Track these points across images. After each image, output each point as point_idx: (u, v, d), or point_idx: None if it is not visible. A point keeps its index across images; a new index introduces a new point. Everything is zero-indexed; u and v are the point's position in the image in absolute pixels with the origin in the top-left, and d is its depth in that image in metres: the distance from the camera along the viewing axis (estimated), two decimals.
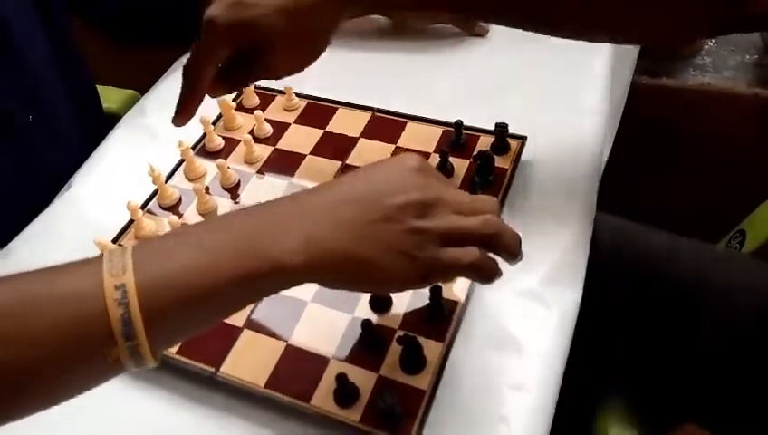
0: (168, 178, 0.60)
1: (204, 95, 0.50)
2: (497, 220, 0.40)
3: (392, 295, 0.48)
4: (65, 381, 0.34)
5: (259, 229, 0.36)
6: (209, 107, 0.63)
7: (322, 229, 0.36)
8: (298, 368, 0.45)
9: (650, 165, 1.08)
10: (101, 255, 0.34)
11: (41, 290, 0.33)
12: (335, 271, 0.37)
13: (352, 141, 0.62)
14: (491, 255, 0.40)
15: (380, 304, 0.48)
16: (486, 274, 0.40)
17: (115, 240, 0.54)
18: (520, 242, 0.41)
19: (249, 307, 0.49)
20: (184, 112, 0.50)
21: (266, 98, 0.67)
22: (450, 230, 0.38)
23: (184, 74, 0.49)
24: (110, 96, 0.87)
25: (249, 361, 0.46)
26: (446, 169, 0.57)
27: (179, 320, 0.34)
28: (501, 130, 0.58)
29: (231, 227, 0.36)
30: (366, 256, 0.36)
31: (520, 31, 0.74)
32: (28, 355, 0.32)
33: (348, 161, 0.60)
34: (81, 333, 0.32)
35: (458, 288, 0.49)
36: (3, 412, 0.33)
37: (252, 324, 0.48)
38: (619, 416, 0.68)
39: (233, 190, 0.59)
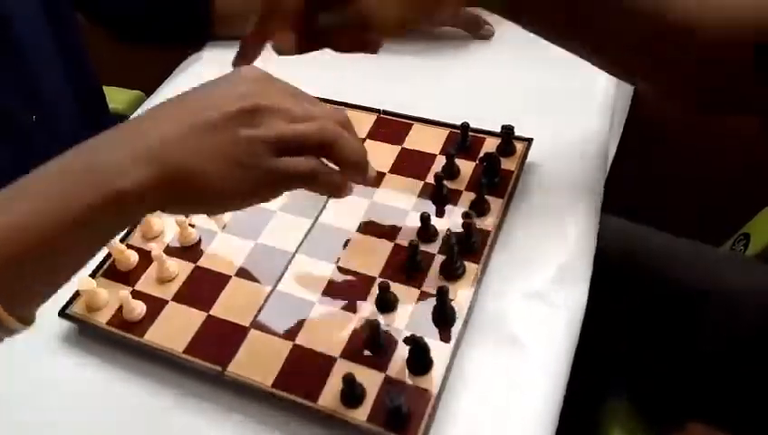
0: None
1: (267, 40, 0.47)
2: (336, 127, 0.38)
3: (399, 297, 0.49)
4: None
5: (86, 163, 0.34)
6: None
7: (153, 147, 0.35)
8: (305, 368, 0.46)
9: (653, 168, 1.08)
10: None
11: None
12: (170, 189, 0.35)
13: None
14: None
15: (387, 305, 0.48)
16: (328, 185, 0.39)
17: (122, 239, 0.55)
18: (364, 153, 0.39)
19: (256, 308, 0.49)
20: (248, 54, 0.47)
21: None
22: (282, 137, 0.36)
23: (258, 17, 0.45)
24: (116, 97, 0.87)
25: (256, 360, 0.46)
26: (452, 171, 0.57)
27: (27, 273, 0.33)
28: (507, 132, 0.58)
29: (57, 167, 0.35)
30: (197, 168, 0.35)
31: (525, 34, 0.74)
32: None
33: None
34: None
35: (465, 290, 0.49)
36: None
37: (259, 324, 0.49)
38: (622, 416, 0.69)
39: None
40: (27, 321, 0.33)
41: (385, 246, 0.52)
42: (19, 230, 0.32)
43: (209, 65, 0.75)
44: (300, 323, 0.48)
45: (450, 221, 0.54)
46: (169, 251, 0.54)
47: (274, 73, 0.69)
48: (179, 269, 0.52)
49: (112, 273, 0.53)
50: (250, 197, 0.38)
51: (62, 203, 0.33)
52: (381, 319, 0.47)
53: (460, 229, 0.51)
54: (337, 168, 0.40)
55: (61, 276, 0.36)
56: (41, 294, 0.35)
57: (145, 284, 0.52)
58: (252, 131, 0.36)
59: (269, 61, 0.75)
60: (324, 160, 0.40)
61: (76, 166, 0.35)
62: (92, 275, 0.52)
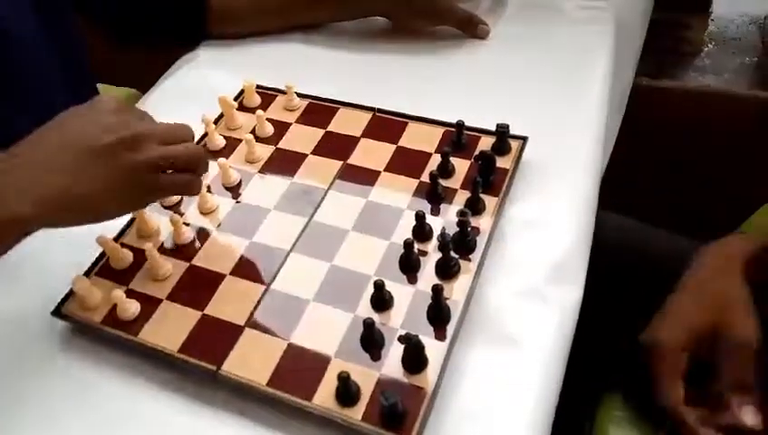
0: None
1: None
2: (197, 147, 0.49)
3: (393, 296, 0.49)
4: None
5: None
6: (211, 106, 0.64)
7: (44, 177, 0.42)
8: (300, 367, 0.46)
9: (650, 166, 1.08)
10: None
11: None
12: (64, 213, 0.43)
13: (354, 141, 0.62)
14: None
15: (382, 304, 0.48)
16: (194, 190, 0.51)
17: (117, 238, 0.54)
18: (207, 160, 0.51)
19: (251, 306, 0.49)
20: None
21: (267, 97, 0.67)
22: (161, 159, 0.46)
23: None
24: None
25: (251, 359, 0.46)
26: (447, 170, 0.57)
27: None
28: (502, 130, 0.58)
29: None
30: (89, 193, 0.43)
31: (521, 33, 0.74)
32: None
33: (349, 161, 0.60)
34: None
35: (460, 288, 0.49)
36: None
37: (253, 323, 0.48)
38: (618, 414, 0.69)
39: (234, 190, 0.59)
40: None
41: (380, 245, 0.52)
42: None
43: (204, 64, 0.75)
44: (295, 322, 0.48)
45: (445, 220, 0.54)
46: (164, 250, 0.54)
47: (271, 72, 0.70)
48: (174, 268, 0.52)
49: (106, 271, 0.53)
50: (132, 208, 0.50)
51: None
52: (376, 317, 0.47)
53: (455, 228, 0.51)
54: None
55: None
56: None
57: (139, 282, 0.52)
58: (134, 156, 0.44)
59: (244, 63, 0.75)
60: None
61: None
62: (86, 274, 0.52)
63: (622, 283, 0.69)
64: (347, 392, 0.43)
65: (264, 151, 0.62)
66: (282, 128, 0.64)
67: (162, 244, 0.54)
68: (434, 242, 0.52)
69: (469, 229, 0.51)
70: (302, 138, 0.63)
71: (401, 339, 0.44)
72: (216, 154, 0.62)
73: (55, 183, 0.42)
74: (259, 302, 0.50)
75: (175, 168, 0.47)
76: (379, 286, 0.47)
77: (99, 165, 0.43)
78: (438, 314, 0.47)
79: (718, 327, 0.53)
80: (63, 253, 0.55)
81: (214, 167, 0.60)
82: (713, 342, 0.53)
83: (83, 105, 0.47)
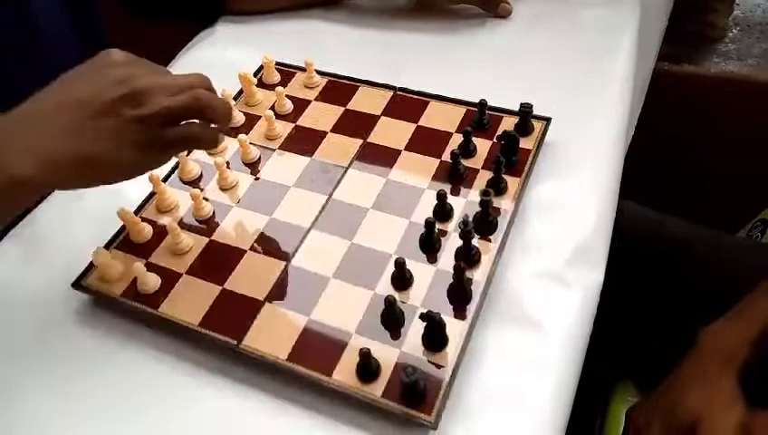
0: (189, 151, 0.59)
1: None
2: (206, 94, 0.44)
3: (414, 274, 0.48)
4: None
5: None
6: (229, 82, 0.63)
7: (46, 137, 0.40)
8: (320, 342, 0.45)
9: (671, 152, 1.07)
10: None
11: None
12: (69, 173, 0.41)
13: (373, 119, 0.61)
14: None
15: (402, 282, 0.48)
16: (208, 142, 0.47)
17: (137, 211, 0.54)
18: (229, 107, 0.46)
19: (270, 282, 0.49)
20: None
21: (287, 74, 0.67)
22: (167, 110, 0.42)
23: None
24: None
25: (271, 334, 0.46)
26: (468, 149, 0.56)
27: None
28: (525, 111, 0.57)
29: None
30: (93, 152, 0.40)
31: (543, 12, 0.73)
32: None
33: (369, 139, 0.59)
34: None
35: (481, 268, 0.48)
36: None
37: (273, 299, 0.48)
38: (631, 400, 0.68)
39: (253, 166, 0.58)
40: None
41: (400, 224, 0.52)
42: None
43: (222, 40, 0.75)
44: (315, 298, 0.48)
45: (466, 199, 0.53)
46: (183, 224, 0.54)
47: (289, 49, 0.69)
48: (194, 242, 0.52)
49: (126, 245, 0.53)
50: (144, 166, 0.45)
51: None
52: (396, 296, 0.46)
53: (476, 208, 0.50)
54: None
55: None
56: None
57: (159, 256, 0.52)
58: (138, 111, 0.42)
59: (268, 41, 0.74)
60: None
61: None
62: (107, 247, 0.52)
63: (635, 272, 0.68)
64: (368, 368, 0.43)
65: (284, 128, 0.61)
66: (301, 105, 0.63)
67: (182, 219, 0.54)
68: (455, 222, 0.51)
69: (491, 210, 0.50)
70: (321, 115, 0.62)
71: (423, 316, 0.44)
72: (236, 130, 0.61)
73: (58, 143, 0.40)
74: (279, 277, 0.49)
75: (187, 118, 0.44)
76: (400, 265, 0.47)
77: (102, 123, 0.40)
78: (460, 294, 0.47)
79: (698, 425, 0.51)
80: (84, 225, 0.55)
81: (233, 143, 0.59)
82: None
83: (90, 60, 0.44)
